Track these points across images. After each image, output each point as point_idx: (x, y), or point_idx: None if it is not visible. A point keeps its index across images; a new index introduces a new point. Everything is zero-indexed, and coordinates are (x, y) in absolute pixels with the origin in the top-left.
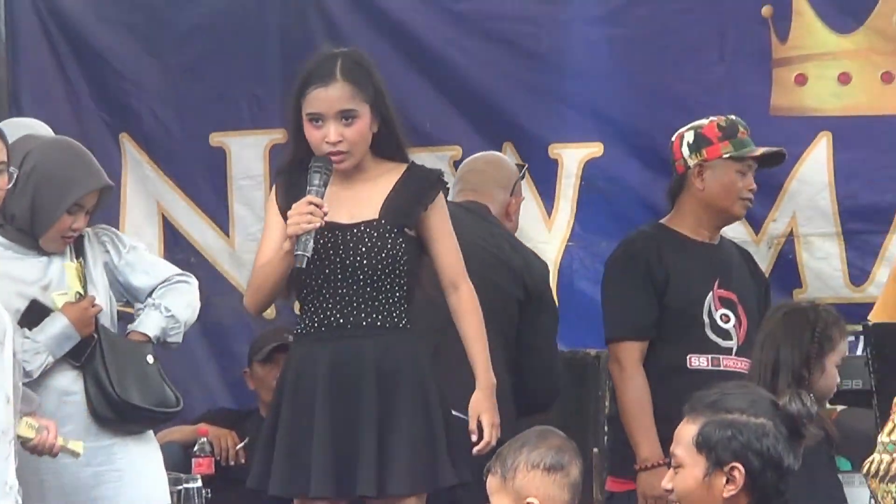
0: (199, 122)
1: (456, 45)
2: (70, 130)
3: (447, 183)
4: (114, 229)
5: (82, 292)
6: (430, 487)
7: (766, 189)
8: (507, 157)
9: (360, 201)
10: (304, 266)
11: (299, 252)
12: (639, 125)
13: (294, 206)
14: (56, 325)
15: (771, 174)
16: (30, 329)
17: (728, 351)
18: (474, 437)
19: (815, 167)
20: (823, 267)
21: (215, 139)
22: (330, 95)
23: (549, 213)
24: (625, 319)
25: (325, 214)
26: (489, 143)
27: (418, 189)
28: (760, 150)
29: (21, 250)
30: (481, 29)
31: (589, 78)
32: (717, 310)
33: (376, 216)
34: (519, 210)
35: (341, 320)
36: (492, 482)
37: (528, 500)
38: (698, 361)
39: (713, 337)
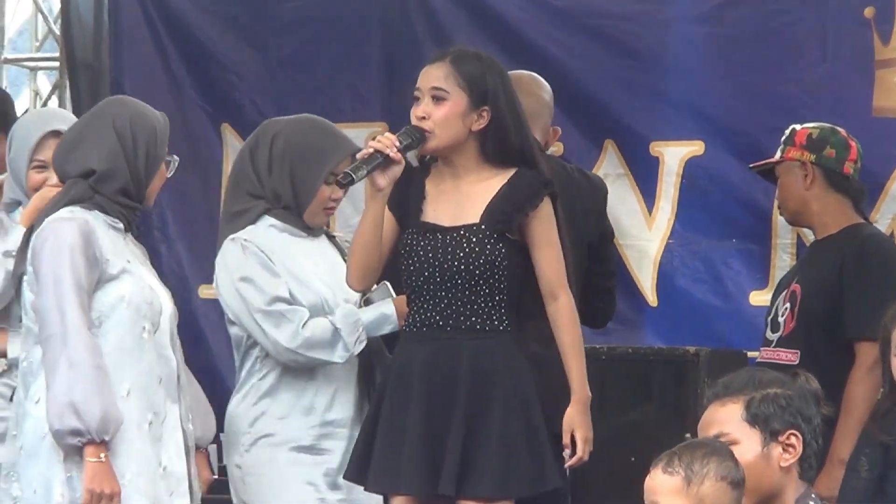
0: (299, 113)
1: (556, 42)
2: (172, 120)
3: (555, 189)
4: None
5: None
6: (531, 490)
7: (869, 190)
8: (610, 155)
9: (464, 204)
10: (342, 184)
11: (348, 170)
12: (739, 124)
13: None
14: (380, 308)
15: (873, 175)
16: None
17: (769, 343)
18: (567, 452)
19: None
20: None
21: None
22: (429, 72)
23: (650, 211)
24: None
25: (399, 161)
26: (590, 140)
27: (522, 194)
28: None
29: (295, 231)
30: (582, 26)
31: (690, 76)
32: (784, 303)
33: (477, 220)
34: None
35: (440, 322)
36: (667, 482)
37: None
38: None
39: (768, 333)
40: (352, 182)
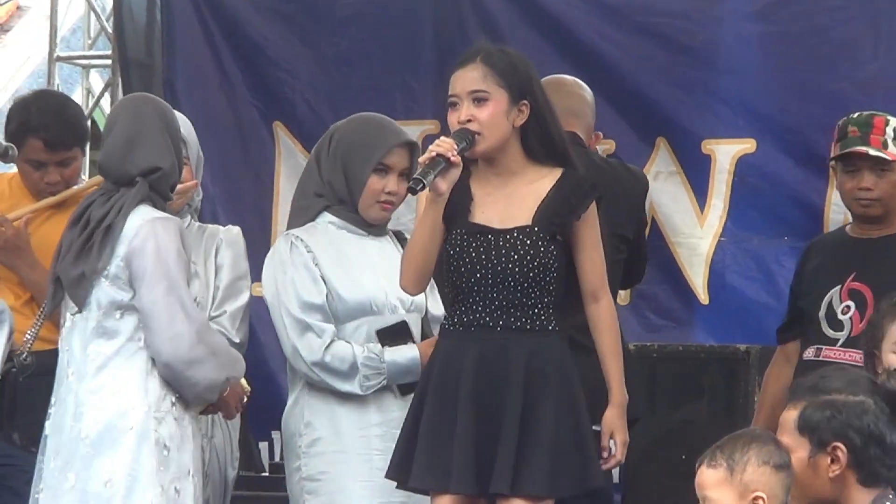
0: (352, 111)
1: (609, 39)
2: (224, 118)
3: (599, 190)
4: None
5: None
6: (577, 489)
7: None
8: (662, 153)
9: (513, 206)
10: (414, 190)
11: (417, 175)
12: (791, 122)
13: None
14: (407, 356)
15: None
16: (380, 340)
17: (833, 342)
18: (605, 454)
19: None
20: None
21: None
22: (464, 76)
23: (702, 209)
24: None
25: (459, 165)
26: (642, 138)
27: (572, 197)
28: (841, 151)
29: (354, 229)
30: (635, 23)
31: (741, 74)
32: (841, 302)
33: (529, 222)
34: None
35: (490, 322)
36: (712, 475)
37: (757, 493)
38: (808, 353)
39: (825, 329)
40: (424, 187)
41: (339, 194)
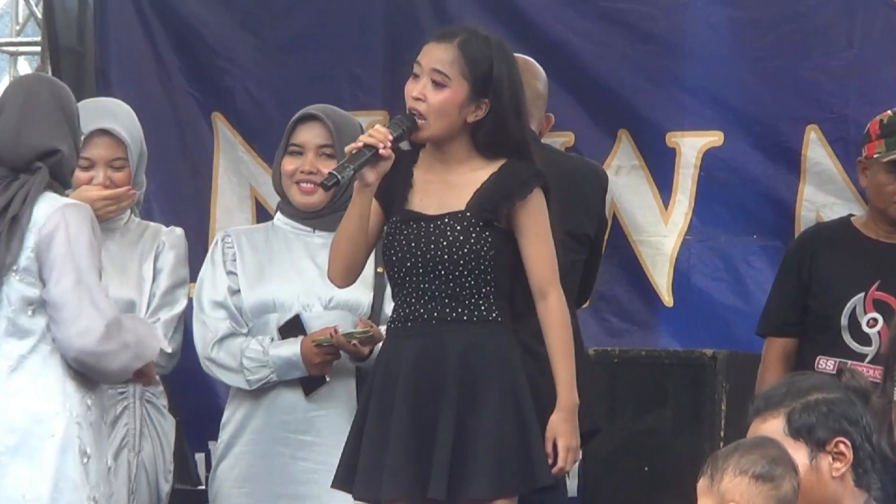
0: (297, 102)
1: (568, 25)
2: (160, 108)
3: (547, 181)
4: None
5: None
6: (524, 488)
7: None
8: (624, 146)
9: (450, 193)
10: (326, 186)
11: (333, 169)
12: (761, 114)
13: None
14: (289, 350)
15: None
16: (282, 337)
17: (861, 357)
18: (550, 461)
19: None
20: None
21: None
22: (434, 50)
23: (666, 205)
24: (767, 316)
25: (390, 157)
26: (603, 130)
27: (512, 183)
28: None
29: (299, 228)
30: (596, 7)
31: (709, 62)
32: (865, 313)
33: (462, 208)
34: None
35: (425, 315)
36: (701, 484)
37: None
38: (825, 364)
39: (849, 341)
40: (337, 183)
41: (278, 191)
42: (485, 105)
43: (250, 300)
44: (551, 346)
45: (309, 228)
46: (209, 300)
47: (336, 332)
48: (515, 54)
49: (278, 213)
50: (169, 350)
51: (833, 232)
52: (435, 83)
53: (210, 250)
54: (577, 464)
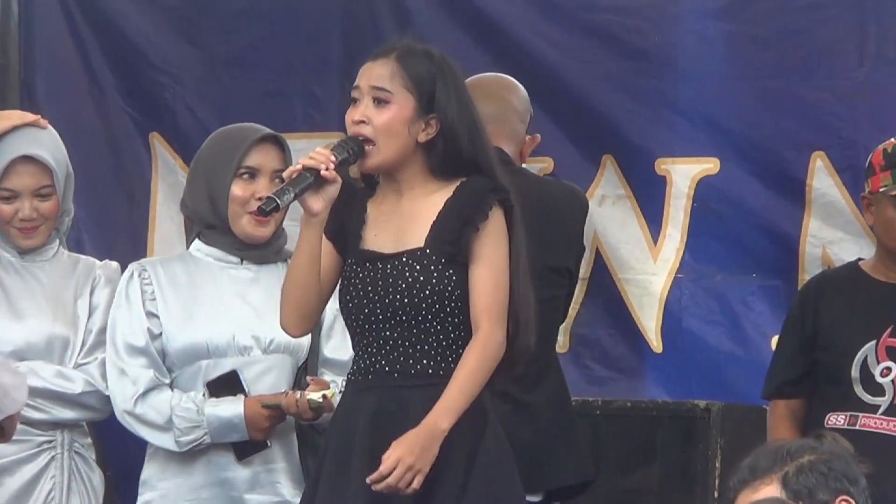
0: (244, 122)
1: (548, 39)
2: (91, 127)
3: (506, 194)
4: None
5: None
6: None
7: None
8: (608, 173)
9: (406, 227)
10: (264, 211)
11: (272, 193)
12: (761, 138)
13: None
14: (229, 410)
15: None
16: (211, 394)
17: (873, 409)
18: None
19: None
20: None
21: None
22: (371, 69)
23: (655, 240)
24: (770, 376)
25: (335, 180)
26: (585, 156)
27: (468, 207)
28: None
29: (224, 257)
30: (578, 20)
31: (703, 81)
32: (878, 362)
33: (421, 244)
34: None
35: (387, 368)
36: None
37: None
38: (836, 421)
39: (860, 392)
40: (276, 208)
41: (205, 218)
42: (434, 122)
43: (177, 345)
44: (458, 367)
45: (237, 259)
46: (126, 344)
47: (288, 395)
48: (479, 75)
49: (197, 241)
50: (107, 392)
51: (839, 278)
52: (377, 101)
53: (122, 285)
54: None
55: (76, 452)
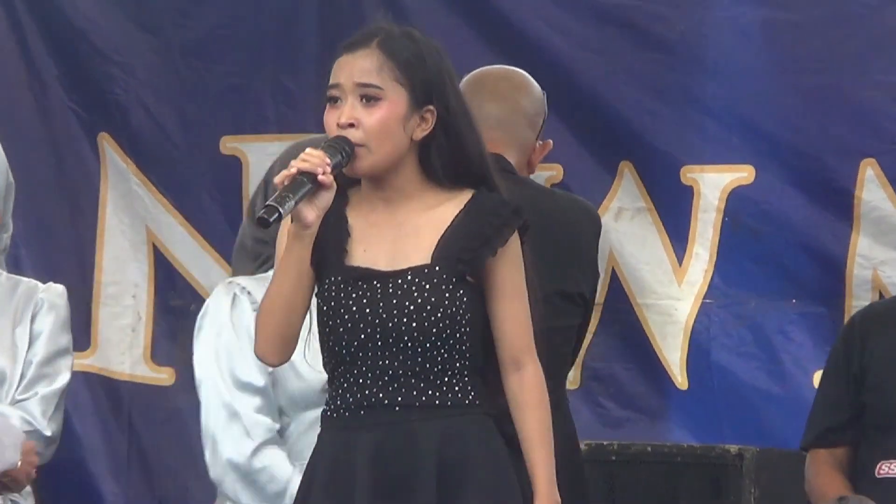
0: (208, 122)
1: (559, 29)
2: (31, 127)
3: (526, 220)
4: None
5: None
6: None
7: None
8: (627, 183)
9: (406, 240)
10: (266, 221)
11: (271, 201)
12: (803, 144)
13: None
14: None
15: None
16: None
17: None
18: None
19: None
20: None
21: (228, 145)
22: (352, 64)
23: (681, 261)
24: (812, 421)
25: (331, 186)
26: (600, 162)
27: (486, 225)
28: None
29: None
30: (592, 8)
31: (737, 77)
32: None
33: (427, 261)
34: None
35: (385, 401)
36: None
37: None
38: (888, 469)
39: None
40: (279, 218)
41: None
42: (430, 114)
43: (301, 387)
44: (529, 430)
45: None
46: (237, 381)
47: None
48: (487, 67)
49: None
50: (48, 433)
51: (888, 310)
52: (366, 99)
53: (218, 309)
54: None
55: (12, 501)
